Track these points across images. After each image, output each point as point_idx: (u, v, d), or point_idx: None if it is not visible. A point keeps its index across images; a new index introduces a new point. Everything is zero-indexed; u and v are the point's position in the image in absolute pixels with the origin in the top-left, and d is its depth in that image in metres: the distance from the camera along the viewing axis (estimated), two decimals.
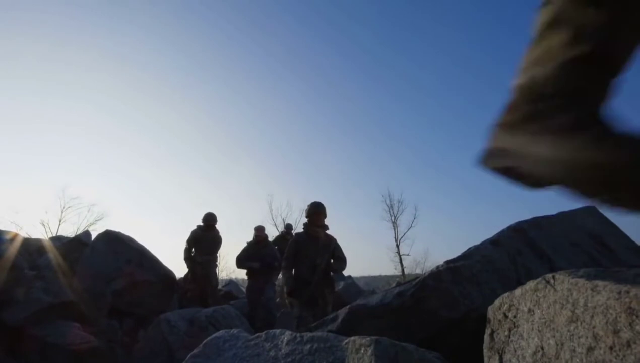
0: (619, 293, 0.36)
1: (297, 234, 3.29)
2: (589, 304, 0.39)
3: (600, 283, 0.40)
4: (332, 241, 3.24)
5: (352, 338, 0.62)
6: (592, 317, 0.39)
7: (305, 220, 3.36)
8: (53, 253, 4.16)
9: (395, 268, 22.30)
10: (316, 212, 3.26)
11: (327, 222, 3.35)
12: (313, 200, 3.50)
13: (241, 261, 5.11)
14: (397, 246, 22.51)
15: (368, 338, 0.59)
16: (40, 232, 19.49)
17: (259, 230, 5.33)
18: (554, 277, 0.48)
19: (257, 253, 4.98)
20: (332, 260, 3.19)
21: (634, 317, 0.36)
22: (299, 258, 3.07)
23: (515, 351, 0.52)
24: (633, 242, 1.50)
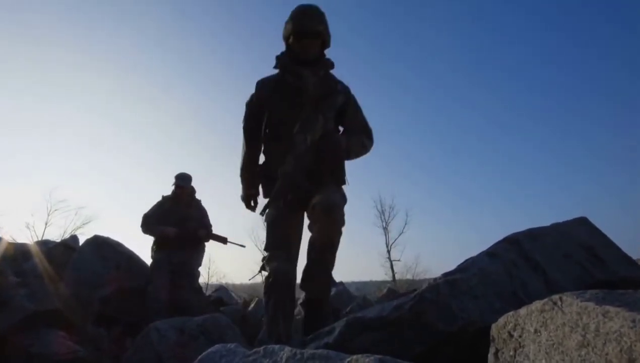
0: (633, 321, 0.36)
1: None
2: (601, 330, 0.39)
3: (611, 309, 0.39)
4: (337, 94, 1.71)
5: (355, 356, 0.62)
6: (604, 343, 0.38)
7: None
8: (39, 259, 4.06)
9: (386, 274, 22.39)
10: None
11: None
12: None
13: (149, 223, 3.41)
14: (388, 251, 22.61)
15: (372, 357, 0.58)
16: (25, 236, 19.08)
17: (181, 179, 3.44)
18: (561, 299, 0.48)
19: (174, 214, 3.40)
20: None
21: None
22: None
23: None
24: (624, 253, 1.53)
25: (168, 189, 3.77)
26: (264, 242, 1.82)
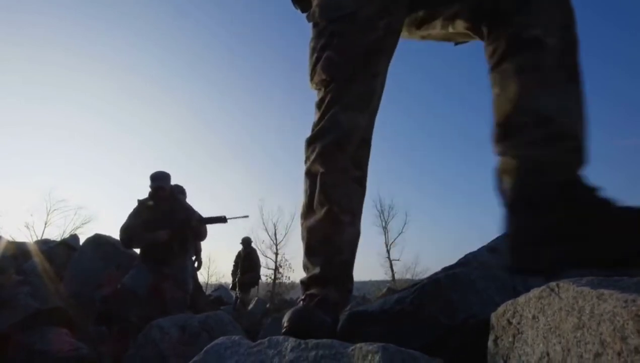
0: (626, 301, 0.38)
1: None
2: (596, 312, 0.41)
3: (605, 291, 0.41)
4: None
5: (359, 345, 0.63)
6: (599, 324, 0.40)
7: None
8: (39, 258, 4.08)
9: (386, 274, 22.38)
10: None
11: None
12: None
13: (134, 234, 2.98)
14: (388, 251, 22.61)
15: (375, 345, 0.60)
16: (24, 235, 19.08)
17: (160, 179, 3.07)
18: (558, 285, 0.50)
19: (159, 218, 3.02)
20: None
21: None
22: None
23: (520, 357, 0.54)
24: None
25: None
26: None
